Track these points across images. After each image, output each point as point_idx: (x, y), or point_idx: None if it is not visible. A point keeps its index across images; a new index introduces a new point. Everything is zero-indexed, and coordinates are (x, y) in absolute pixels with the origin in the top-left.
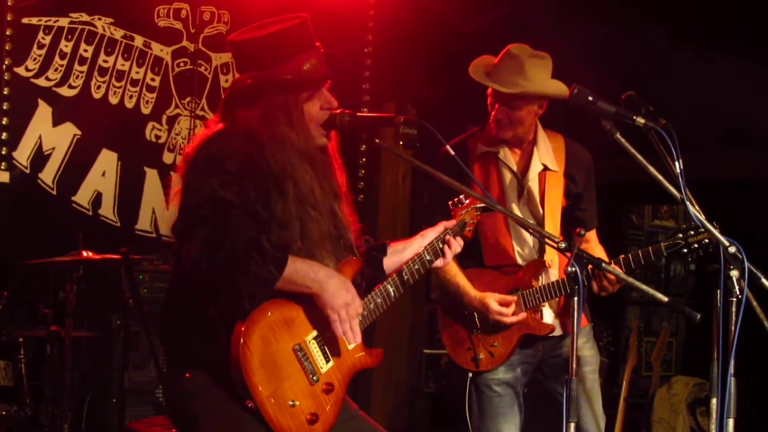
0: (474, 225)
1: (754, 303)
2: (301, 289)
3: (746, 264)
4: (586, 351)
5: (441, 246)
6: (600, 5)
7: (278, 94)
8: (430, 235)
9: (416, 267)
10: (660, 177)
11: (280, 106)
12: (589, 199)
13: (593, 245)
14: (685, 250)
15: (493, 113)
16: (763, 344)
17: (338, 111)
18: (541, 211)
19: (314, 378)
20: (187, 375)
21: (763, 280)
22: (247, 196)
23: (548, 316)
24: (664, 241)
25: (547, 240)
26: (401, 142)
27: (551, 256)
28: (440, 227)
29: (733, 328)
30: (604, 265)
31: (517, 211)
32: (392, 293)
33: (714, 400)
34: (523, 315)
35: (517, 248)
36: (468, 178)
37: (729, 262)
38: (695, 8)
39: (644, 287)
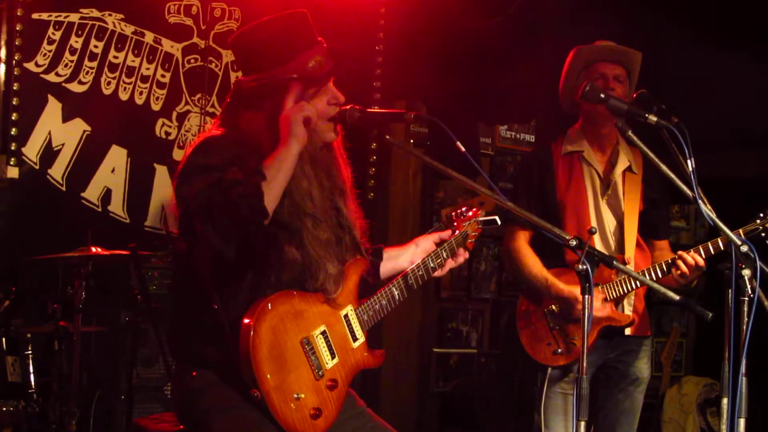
0: (475, 237)
1: (766, 302)
2: (287, 161)
3: (758, 263)
4: (644, 372)
5: (445, 256)
6: (612, 3)
7: (282, 93)
8: (423, 243)
9: (420, 273)
10: (672, 175)
11: (284, 106)
12: (664, 208)
13: (666, 254)
14: (764, 234)
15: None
16: None
17: (348, 107)
18: (623, 208)
19: (320, 373)
20: (194, 373)
21: None
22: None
23: (628, 309)
24: (743, 227)
25: (558, 237)
26: (412, 140)
27: (630, 253)
28: (435, 236)
29: (744, 327)
30: (615, 263)
31: (603, 208)
32: (397, 296)
33: (725, 400)
34: (607, 310)
35: (598, 246)
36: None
37: (741, 261)
38: (711, 6)
39: (656, 286)
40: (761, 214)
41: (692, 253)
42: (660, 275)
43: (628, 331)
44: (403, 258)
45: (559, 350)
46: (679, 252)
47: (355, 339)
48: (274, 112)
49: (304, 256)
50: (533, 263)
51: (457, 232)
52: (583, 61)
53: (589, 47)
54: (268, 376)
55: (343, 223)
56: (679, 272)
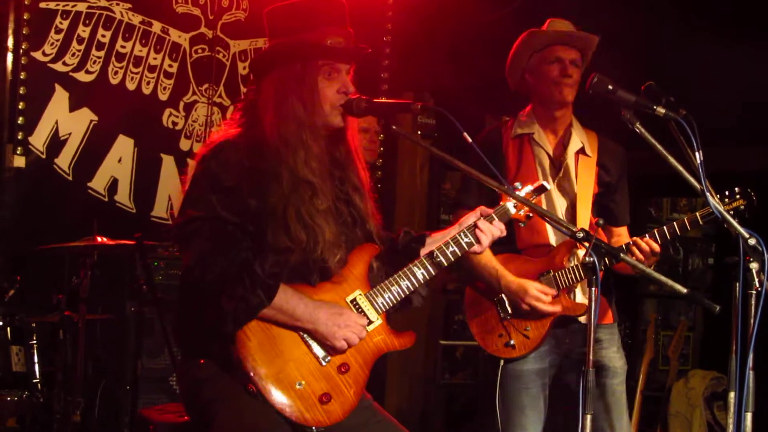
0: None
1: None
2: (291, 322)
3: (766, 256)
4: (616, 361)
5: (484, 228)
6: None
7: (296, 61)
8: (466, 221)
9: (451, 249)
10: (680, 168)
11: (294, 76)
12: (621, 193)
13: (624, 240)
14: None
15: (553, 75)
16: None
17: (355, 97)
18: (575, 190)
19: (325, 359)
20: (201, 361)
21: None
22: (245, 213)
23: (581, 297)
24: (700, 210)
25: (564, 229)
26: (419, 132)
27: None
28: (477, 212)
29: (752, 321)
30: (622, 255)
31: (553, 191)
32: (421, 276)
33: (732, 394)
34: (559, 307)
35: (550, 228)
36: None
37: (749, 254)
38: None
39: (663, 279)
40: (720, 198)
41: (647, 239)
42: (613, 262)
43: (583, 319)
44: (441, 240)
45: (512, 342)
46: (634, 238)
47: (369, 323)
48: (287, 74)
49: (304, 228)
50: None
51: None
52: (539, 44)
53: (546, 32)
54: (259, 369)
55: (354, 215)
56: (634, 258)
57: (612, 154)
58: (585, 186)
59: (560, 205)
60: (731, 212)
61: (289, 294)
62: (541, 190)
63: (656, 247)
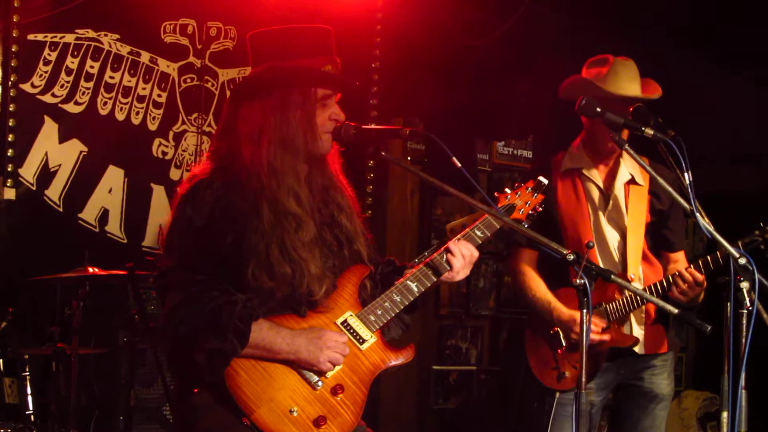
0: (531, 207)
1: (765, 315)
2: (272, 356)
3: (756, 275)
4: (663, 388)
5: (479, 234)
6: (608, 21)
7: (295, 87)
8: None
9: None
10: (670, 188)
11: (295, 102)
12: (675, 219)
13: (681, 266)
14: (763, 246)
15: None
16: None
17: (344, 123)
18: (626, 222)
19: (318, 383)
20: (195, 390)
21: None
22: (220, 252)
23: (637, 329)
24: (742, 239)
25: (555, 252)
26: (409, 157)
27: (634, 270)
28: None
29: (743, 340)
30: (613, 277)
31: (603, 224)
32: (415, 288)
33: (725, 414)
34: (608, 336)
35: (600, 261)
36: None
37: (739, 273)
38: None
39: (654, 299)
40: (761, 224)
41: (691, 269)
42: (661, 292)
43: (639, 350)
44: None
45: (566, 374)
46: (678, 269)
47: (362, 341)
48: (284, 100)
49: (290, 262)
50: (536, 285)
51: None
52: (601, 97)
53: (613, 96)
54: (250, 403)
55: (340, 237)
56: (679, 290)
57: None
58: (636, 216)
59: (611, 237)
60: (749, 246)
61: (264, 330)
62: (539, 186)
63: (699, 277)
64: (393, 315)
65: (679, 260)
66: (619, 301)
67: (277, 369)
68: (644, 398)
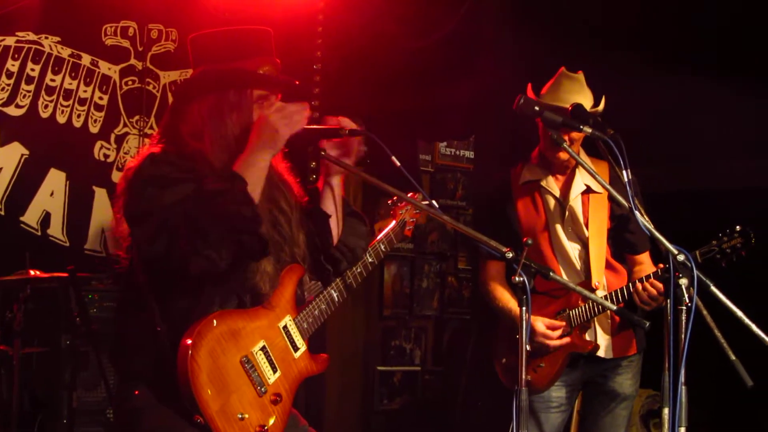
0: (414, 224)
1: (704, 311)
2: (262, 167)
3: (695, 272)
4: (627, 388)
5: (383, 248)
6: (547, 23)
7: (231, 88)
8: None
9: (359, 270)
10: (609, 187)
11: (231, 103)
12: (636, 222)
13: (646, 267)
14: (719, 256)
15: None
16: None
17: None
18: (585, 232)
19: (262, 389)
20: (136, 392)
21: (713, 287)
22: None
23: (601, 335)
24: (700, 249)
25: (493, 250)
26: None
27: (598, 278)
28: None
29: (683, 336)
30: (552, 275)
31: (562, 236)
32: (336, 298)
33: (666, 410)
34: (567, 340)
35: (563, 272)
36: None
37: (678, 270)
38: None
39: (592, 296)
40: (719, 235)
41: (651, 280)
42: (621, 299)
43: (604, 354)
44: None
45: (527, 378)
46: (636, 282)
47: (296, 349)
48: (217, 105)
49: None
50: (501, 294)
51: (394, 222)
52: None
53: (561, 109)
54: (209, 402)
55: (280, 239)
56: (640, 300)
57: (623, 185)
58: (596, 225)
59: (571, 248)
60: (728, 250)
61: (241, 164)
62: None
63: (660, 286)
64: (320, 324)
65: (644, 262)
66: (582, 308)
67: (231, 371)
68: (606, 397)
